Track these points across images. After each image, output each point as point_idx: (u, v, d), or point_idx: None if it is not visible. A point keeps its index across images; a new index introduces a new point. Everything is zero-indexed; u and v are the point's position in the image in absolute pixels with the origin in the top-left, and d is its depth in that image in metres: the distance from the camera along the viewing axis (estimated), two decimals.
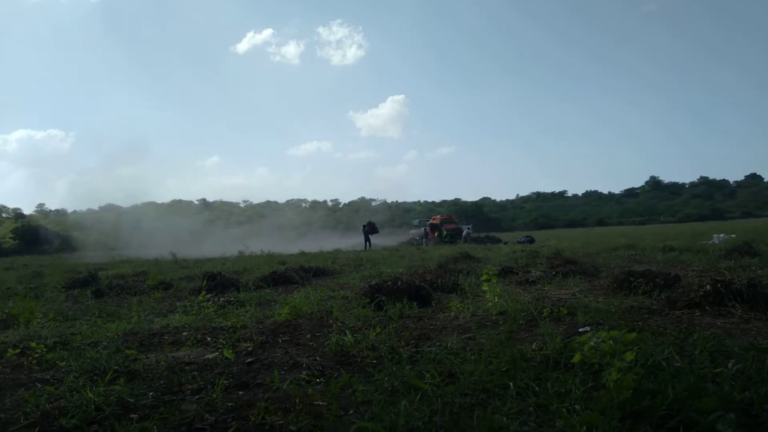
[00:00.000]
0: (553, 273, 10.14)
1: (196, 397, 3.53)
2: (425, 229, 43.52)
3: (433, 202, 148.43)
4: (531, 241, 34.02)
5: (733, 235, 21.63)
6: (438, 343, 4.64)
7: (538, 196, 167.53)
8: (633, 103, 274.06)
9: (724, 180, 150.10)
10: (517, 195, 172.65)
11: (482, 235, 46.31)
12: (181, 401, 3.46)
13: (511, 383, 2.99)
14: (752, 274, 8.62)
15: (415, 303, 7.02)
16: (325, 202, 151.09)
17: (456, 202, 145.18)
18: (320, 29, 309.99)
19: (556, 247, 20.41)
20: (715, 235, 22.44)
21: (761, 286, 5.93)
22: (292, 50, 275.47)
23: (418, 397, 2.97)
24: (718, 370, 3.18)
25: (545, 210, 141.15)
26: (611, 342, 2.86)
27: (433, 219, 45.96)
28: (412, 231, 49.37)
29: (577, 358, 3.12)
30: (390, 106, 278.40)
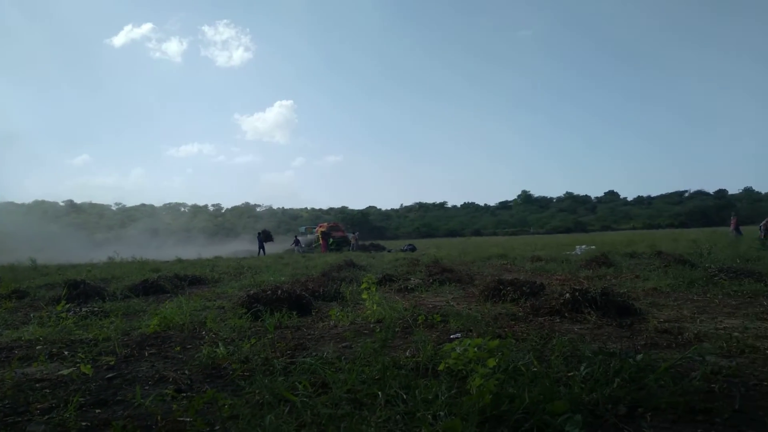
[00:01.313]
0: (431, 281, 10.47)
1: (46, 417, 3.23)
2: (296, 237, 43.04)
3: (320, 210, 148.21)
4: (413, 249, 34.88)
5: (593, 247, 23.53)
6: (314, 353, 4.60)
7: (421, 206, 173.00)
8: (508, 122, 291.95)
9: (586, 196, 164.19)
10: (401, 204, 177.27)
11: (367, 243, 46.89)
12: (28, 422, 3.14)
13: (380, 392, 3.02)
14: (606, 283, 9.46)
15: (294, 312, 6.93)
16: (206, 206, 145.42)
17: (343, 210, 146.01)
18: (205, 28, 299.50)
19: (435, 256, 21.13)
20: (577, 247, 24.28)
21: (613, 295, 6.50)
22: (174, 47, 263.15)
23: (287, 409, 2.91)
24: (571, 373, 3.42)
25: (427, 219, 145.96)
26: (476, 349, 2.98)
27: (320, 226, 45.78)
28: (299, 238, 48.87)
29: (442, 366, 3.23)
30: (277, 110, 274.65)
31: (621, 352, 3.71)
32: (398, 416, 2.74)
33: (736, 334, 4.99)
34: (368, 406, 2.94)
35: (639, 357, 3.45)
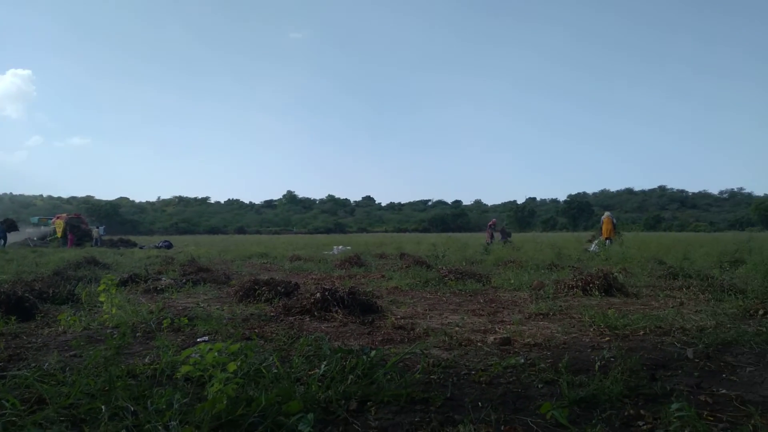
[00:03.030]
0: (185, 281, 9.99)
1: None
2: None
3: (60, 198, 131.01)
4: (169, 246, 32.85)
5: (349, 247, 24.86)
6: (32, 364, 4.03)
7: (181, 200, 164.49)
8: (277, 122, 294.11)
9: (346, 199, 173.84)
10: (159, 197, 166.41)
11: (116, 238, 42.67)
12: None
13: (103, 406, 2.76)
14: (355, 282, 10.08)
15: (13, 317, 5.97)
16: None
17: (88, 200, 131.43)
18: None
19: (193, 254, 20.22)
20: (335, 247, 25.43)
21: (359, 294, 6.95)
22: None
23: None
24: (312, 372, 3.55)
25: (187, 215, 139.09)
26: (216, 354, 2.91)
27: (58, 217, 40.20)
28: (29, 230, 42.25)
29: (178, 373, 3.09)
30: (10, 80, 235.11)
31: (358, 349, 3.96)
32: (124, 430, 2.54)
33: (456, 328, 5.72)
34: (90, 422, 2.67)
35: (373, 353, 3.73)
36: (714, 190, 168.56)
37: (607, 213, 22.94)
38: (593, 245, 21.51)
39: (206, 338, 5.06)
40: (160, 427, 2.51)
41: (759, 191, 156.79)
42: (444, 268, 11.65)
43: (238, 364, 3.10)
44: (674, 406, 2.71)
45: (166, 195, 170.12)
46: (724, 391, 3.41)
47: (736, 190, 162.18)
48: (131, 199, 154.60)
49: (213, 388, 2.73)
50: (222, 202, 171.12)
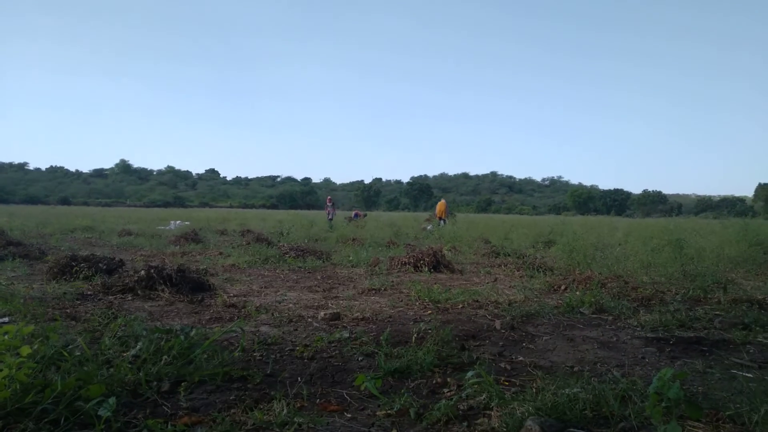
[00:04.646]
0: None
1: None
2: None
3: None
4: None
5: (188, 222, 23.67)
6: None
7: None
8: (109, 84, 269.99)
9: (188, 171, 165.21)
10: None
11: None
12: None
13: None
14: (189, 260, 9.67)
15: None
16: None
17: None
18: None
19: (2, 226, 17.93)
20: (171, 222, 24.07)
21: (189, 272, 6.66)
22: None
23: None
24: (126, 354, 3.34)
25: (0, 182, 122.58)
26: (5, 337, 2.62)
27: None
28: None
29: None
30: None
31: (178, 328, 3.80)
32: None
33: (290, 305, 5.74)
34: None
35: (193, 332, 3.60)
36: (538, 177, 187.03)
37: (443, 199, 24.63)
38: (429, 225, 22.81)
39: (6, 319, 4.53)
40: None
41: (575, 180, 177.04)
42: (285, 245, 11.60)
43: (35, 347, 2.83)
44: (470, 373, 2.98)
45: None
46: (521, 358, 3.81)
47: (556, 178, 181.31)
48: None
49: (1, 374, 2.46)
50: (43, 168, 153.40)
